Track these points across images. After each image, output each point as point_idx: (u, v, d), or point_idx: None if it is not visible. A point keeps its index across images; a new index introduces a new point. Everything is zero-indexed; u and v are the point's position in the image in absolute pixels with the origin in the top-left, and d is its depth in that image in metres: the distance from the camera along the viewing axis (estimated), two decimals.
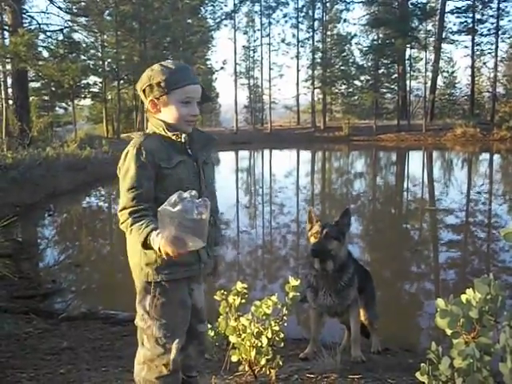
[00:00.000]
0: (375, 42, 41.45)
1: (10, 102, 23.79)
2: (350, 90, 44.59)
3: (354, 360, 3.65)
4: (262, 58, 44.66)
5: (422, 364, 1.61)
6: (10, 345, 4.22)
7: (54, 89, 30.90)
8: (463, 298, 1.55)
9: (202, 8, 40.02)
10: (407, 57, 40.63)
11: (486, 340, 1.49)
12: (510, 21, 48.67)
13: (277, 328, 2.85)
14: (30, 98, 27.02)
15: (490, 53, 39.73)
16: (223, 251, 2.58)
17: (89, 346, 4.33)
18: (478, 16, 38.65)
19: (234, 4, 41.76)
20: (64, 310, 5.82)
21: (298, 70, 43.26)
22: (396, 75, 41.80)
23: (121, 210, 2.12)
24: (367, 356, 3.77)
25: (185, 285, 2.29)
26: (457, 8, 39.68)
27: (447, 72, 46.74)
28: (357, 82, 43.63)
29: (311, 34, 42.64)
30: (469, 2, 38.77)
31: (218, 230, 2.52)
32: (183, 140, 2.19)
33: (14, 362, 3.76)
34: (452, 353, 1.50)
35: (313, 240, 3.62)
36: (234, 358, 2.88)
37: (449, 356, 1.51)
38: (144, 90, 2.24)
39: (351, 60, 43.32)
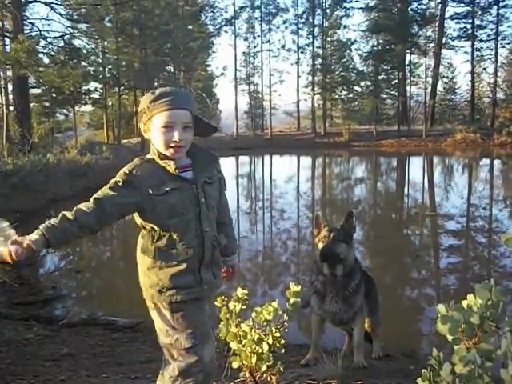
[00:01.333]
0: (375, 48, 41.50)
1: (11, 108, 23.79)
2: (351, 95, 44.62)
3: (356, 366, 3.64)
4: (262, 64, 44.84)
5: (424, 370, 1.60)
6: (10, 351, 4.21)
7: (54, 95, 30.93)
8: (464, 303, 1.54)
9: (202, 14, 40.15)
10: (407, 62, 40.74)
11: (487, 346, 1.48)
12: (509, 26, 49.16)
13: (278, 334, 2.84)
14: (31, 105, 27.02)
15: (489, 58, 39.93)
16: (237, 260, 2.62)
17: (89, 353, 4.32)
18: (477, 22, 38.82)
19: (235, 10, 41.98)
20: (64, 316, 5.80)
21: (299, 76, 43.41)
22: (396, 81, 41.90)
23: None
24: (368, 362, 3.76)
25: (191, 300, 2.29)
26: (456, 14, 39.90)
27: (447, 77, 46.79)
28: (357, 88, 43.72)
29: (311, 40, 42.77)
30: (468, 8, 38.94)
31: (233, 240, 2.59)
32: (172, 169, 2.19)
33: (14, 369, 3.75)
34: (453, 359, 1.49)
35: (321, 245, 3.59)
36: (235, 365, 2.87)
37: (450, 362, 1.51)
38: (140, 118, 2.29)
39: (351, 66, 43.42)
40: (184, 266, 2.21)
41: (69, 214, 2.09)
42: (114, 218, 2.21)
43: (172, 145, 2.18)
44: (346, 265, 3.58)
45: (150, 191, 2.16)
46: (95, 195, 2.15)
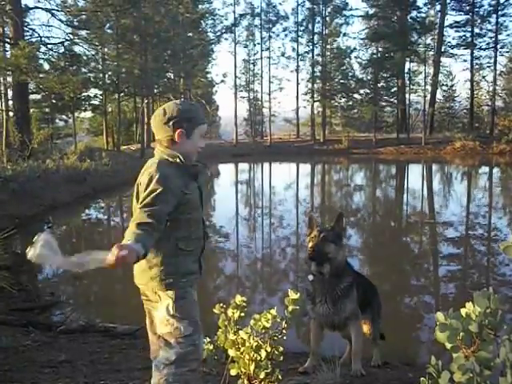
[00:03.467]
0: (374, 56, 41.60)
1: (11, 113, 23.82)
2: (350, 103, 44.70)
3: (354, 374, 3.63)
4: (261, 72, 44.87)
5: (422, 378, 1.60)
6: (7, 357, 4.19)
7: (54, 101, 30.94)
8: (463, 311, 1.54)
9: (202, 22, 40.24)
10: (406, 70, 40.81)
11: (485, 354, 1.48)
12: (508, 35, 49.04)
13: (275, 339, 2.84)
14: (31, 110, 27.02)
15: (488, 66, 40.06)
16: None
17: (87, 359, 4.30)
18: (476, 30, 38.96)
19: (235, 18, 42.02)
20: (62, 322, 5.79)
21: (298, 84, 43.48)
22: (395, 89, 41.95)
23: (132, 222, 2.32)
24: (367, 370, 3.75)
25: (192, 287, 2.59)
26: (456, 22, 40.00)
27: (446, 85, 46.88)
28: (356, 96, 43.74)
29: (311, 47, 42.88)
30: (468, 17, 39.08)
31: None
32: (192, 171, 2.57)
33: (12, 375, 3.74)
34: (452, 367, 1.49)
35: (310, 244, 3.66)
36: (233, 372, 2.87)
37: (449, 370, 1.50)
38: (173, 123, 2.51)
39: (351, 73, 43.47)
40: (194, 254, 2.56)
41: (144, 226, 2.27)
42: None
43: (199, 150, 2.62)
44: (333, 264, 3.62)
45: (181, 190, 2.46)
46: (149, 213, 2.30)
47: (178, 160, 2.49)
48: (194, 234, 2.55)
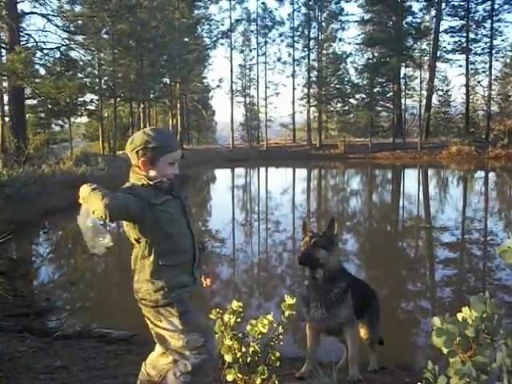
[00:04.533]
0: (370, 61, 41.75)
1: (7, 119, 23.78)
2: (346, 108, 44.76)
3: (351, 379, 3.62)
4: (258, 77, 44.92)
5: (419, 383, 1.59)
6: (2, 364, 4.16)
7: (50, 106, 30.88)
8: (459, 316, 1.54)
9: (198, 27, 40.31)
10: (402, 75, 40.97)
11: (482, 359, 1.47)
12: (503, 40, 49.46)
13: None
14: (27, 116, 26.98)
15: (484, 71, 40.20)
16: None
17: (83, 365, 4.28)
18: (471, 35, 39.16)
19: (231, 23, 42.11)
20: (58, 328, 5.76)
21: (294, 89, 43.59)
22: (391, 94, 42.06)
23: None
24: (364, 375, 3.74)
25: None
26: (451, 27, 40.22)
27: (442, 90, 46.99)
28: (352, 101, 43.84)
29: (307, 52, 43.00)
30: (463, 22, 39.27)
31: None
32: (166, 184, 2.57)
33: (7, 382, 3.71)
34: (448, 372, 1.49)
35: (302, 249, 3.68)
36: (230, 378, 2.85)
37: (445, 375, 1.50)
38: (138, 151, 2.55)
39: (346, 78, 43.58)
40: (183, 266, 2.58)
41: None
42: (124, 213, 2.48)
43: (170, 176, 2.60)
44: (326, 269, 3.62)
45: (151, 201, 2.48)
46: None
47: (143, 181, 2.55)
48: (180, 247, 2.57)
